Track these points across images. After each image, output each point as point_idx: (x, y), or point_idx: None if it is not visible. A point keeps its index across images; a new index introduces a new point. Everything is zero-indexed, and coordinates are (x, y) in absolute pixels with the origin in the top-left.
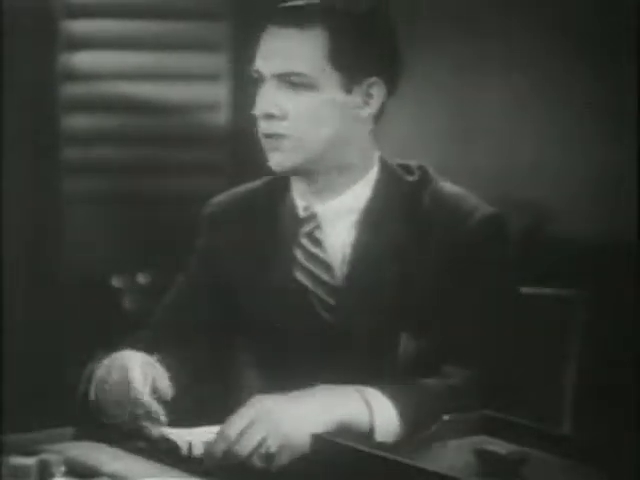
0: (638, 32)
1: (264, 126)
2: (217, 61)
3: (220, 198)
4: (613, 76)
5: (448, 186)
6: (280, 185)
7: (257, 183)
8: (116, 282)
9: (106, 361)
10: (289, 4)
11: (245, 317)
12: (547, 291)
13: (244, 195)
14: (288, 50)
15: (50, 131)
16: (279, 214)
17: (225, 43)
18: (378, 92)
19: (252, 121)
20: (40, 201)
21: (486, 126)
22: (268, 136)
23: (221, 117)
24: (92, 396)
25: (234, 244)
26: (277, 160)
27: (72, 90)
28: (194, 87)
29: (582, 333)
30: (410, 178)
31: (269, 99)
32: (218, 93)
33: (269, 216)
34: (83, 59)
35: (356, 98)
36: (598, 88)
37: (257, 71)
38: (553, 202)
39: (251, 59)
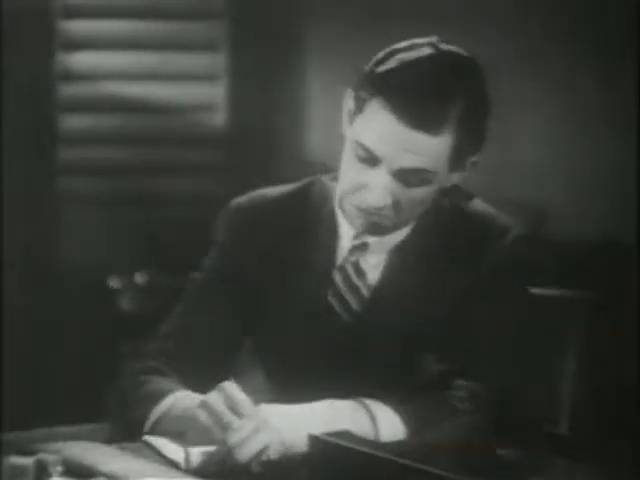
0: (638, 31)
1: (367, 208)
2: (215, 61)
3: (247, 198)
4: (613, 75)
5: (479, 205)
6: (320, 197)
7: (293, 187)
8: (113, 282)
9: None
10: (419, 102)
11: (260, 321)
12: (547, 292)
13: (276, 199)
14: (416, 149)
15: (47, 131)
16: (317, 230)
17: (223, 43)
18: (474, 166)
19: (250, 122)
20: (37, 201)
21: (490, 127)
22: (368, 214)
23: (219, 118)
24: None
25: (260, 248)
26: (368, 233)
27: (69, 90)
28: (192, 87)
29: (582, 333)
30: (444, 201)
31: (385, 191)
32: (216, 93)
33: (304, 228)
34: (80, 59)
35: (454, 177)
36: (598, 87)
37: (371, 153)
38: (552, 202)
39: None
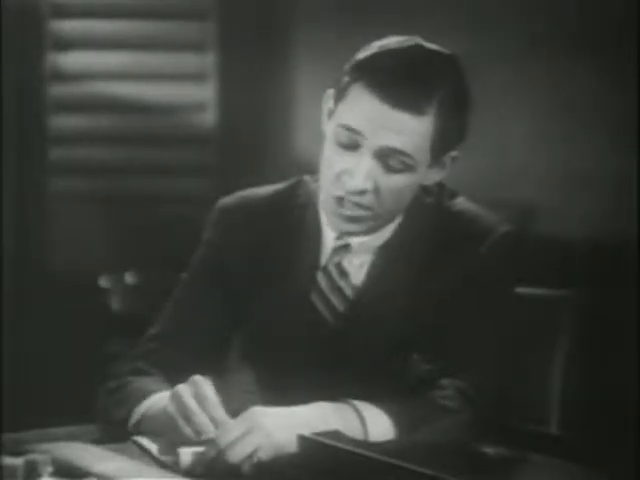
0: (638, 31)
1: (347, 194)
2: (204, 61)
3: (234, 198)
4: (612, 74)
5: (463, 204)
6: (305, 198)
7: (279, 188)
8: (104, 282)
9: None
10: (401, 83)
11: (246, 322)
12: (535, 291)
13: (262, 199)
14: (398, 128)
15: (37, 131)
16: (301, 231)
17: (212, 43)
18: (453, 161)
19: (239, 122)
20: (27, 201)
21: (481, 125)
22: (349, 205)
23: (208, 117)
24: (138, 425)
25: (246, 248)
26: (347, 228)
27: (59, 90)
28: (181, 87)
29: (571, 332)
30: (428, 200)
31: (366, 174)
32: (205, 93)
33: (289, 229)
34: (70, 59)
35: (434, 173)
36: (598, 86)
37: (353, 131)
38: (539, 201)
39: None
